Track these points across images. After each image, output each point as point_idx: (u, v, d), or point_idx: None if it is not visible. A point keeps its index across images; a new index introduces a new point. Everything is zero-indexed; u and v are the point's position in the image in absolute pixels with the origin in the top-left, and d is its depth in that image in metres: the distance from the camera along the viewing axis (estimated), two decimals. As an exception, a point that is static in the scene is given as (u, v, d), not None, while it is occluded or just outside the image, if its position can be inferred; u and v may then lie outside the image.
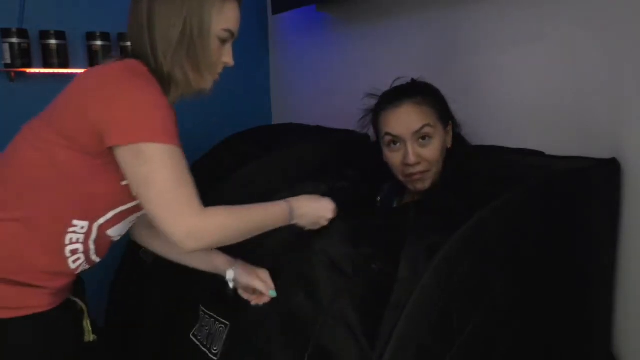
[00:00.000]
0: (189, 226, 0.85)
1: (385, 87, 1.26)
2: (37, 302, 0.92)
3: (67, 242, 0.92)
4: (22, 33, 1.95)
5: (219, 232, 0.88)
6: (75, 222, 0.92)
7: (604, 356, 1.13)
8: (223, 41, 0.97)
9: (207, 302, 1.07)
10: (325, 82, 2.06)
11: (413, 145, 1.14)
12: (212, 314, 1.03)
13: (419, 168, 1.15)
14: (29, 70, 2.00)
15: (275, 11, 2.08)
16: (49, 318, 0.93)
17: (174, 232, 0.84)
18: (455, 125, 1.24)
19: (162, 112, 0.87)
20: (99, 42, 2.22)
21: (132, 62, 0.92)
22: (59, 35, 2.04)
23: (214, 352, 0.98)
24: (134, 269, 1.42)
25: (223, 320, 1.00)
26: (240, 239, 0.92)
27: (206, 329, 1.03)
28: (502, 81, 1.36)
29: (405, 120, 1.15)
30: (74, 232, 0.92)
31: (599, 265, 1.10)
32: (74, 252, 0.94)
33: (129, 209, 0.97)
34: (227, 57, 0.99)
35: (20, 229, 0.89)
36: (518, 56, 1.31)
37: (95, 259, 1.00)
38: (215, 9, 0.94)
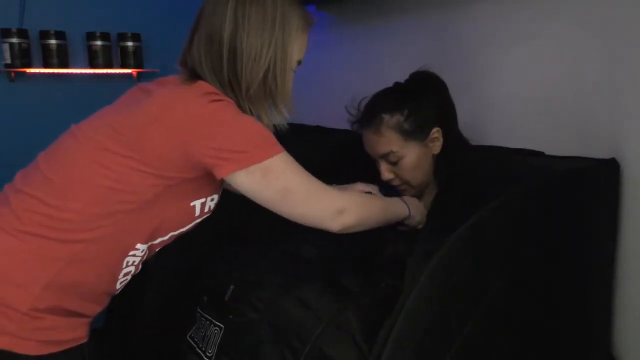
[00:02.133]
0: (338, 204, 0.91)
1: (385, 86, 1.25)
2: (80, 333, 0.88)
3: (124, 265, 0.90)
4: (22, 33, 1.95)
5: (360, 207, 0.95)
6: (138, 245, 0.89)
7: (603, 356, 1.13)
8: (293, 72, 0.95)
9: (204, 305, 1.07)
10: (325, 82, 2.06)
11: (384, 164, 1.16)
12: (208, 316, 1.03)
13: (394, 182, 1.17)
14: (29, 70, 2.01)
15: (275, 11, 2.08)
16: (90, 349, 0.91)
17: (326, 215, 0.91)
18: (451, 126, 1.21)
19: (262, 126, 0.88)
20: (99, 42, 2.22)
21: (208, 86, 0.88)
22: (59, 35, 2.05)
23: (209, 355, 0.98)
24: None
25: (218, 324, 0.99)
26: (374, 221, 0.99)
27: (202, 332, 1.03)
28: (502, 81, 1.36)
29: (370, 146, 1.17)
30: (133, 255, 0.90)
31: (599, 265, 1.10)
32: (126, 274, 0.92)
33: (184, 230, 0.96)
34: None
35: (85, 252, 0.84)
36: (517, 56, 1.31)
37: (134, 273, 0.97)
38: (298, 41, 0.92)
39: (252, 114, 0.93)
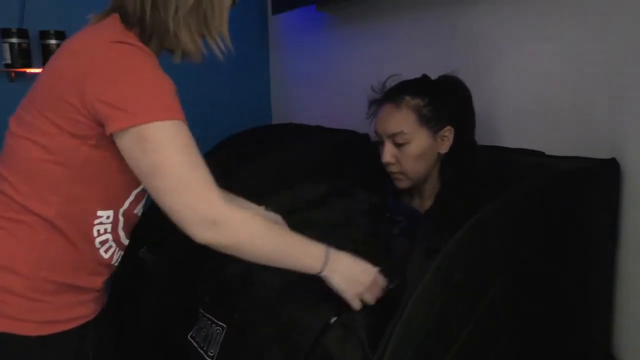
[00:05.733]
0: (215, 213, 0.76)
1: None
2: (82, 311, 0.88)
3: (95, 234, 0.88)
4: (22, 33, 1.95)
5: (244, 229, 0.78)
6: (100, 213, 0.87)
7: (603, 356, 1.13)
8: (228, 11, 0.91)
9: (205, 304, 1.06)
10: (325, 82, 2.06)
11: (389, 145, 1.16)
12: (210, 316, 1.03)
13: (392, 168, 1.17)
14: (29, 70, 2.00)
15: (275, 11, 2.08)
16: (98, 324, 0.91)
17: (195, 220, 0.75)
18: (465, 132, 1.19)
19: (161, 86, 0.78)
20: (99, 42, 2.21)
21: (118, 24, 0.83)
22: (59, 35, 2.04)
23: (210, 354, 0.98)
24: (134, 268, 1.42)
25: (220, 323, 0.99)
26: (262, 257, 0.82)
27: (204, 331, 1.02)
28: (502, 81, 1.36)
29: (384, 121, 1.17)
30: (100, 223, 0.87)
31: (599, 265, 1.10)
32: (103, 242, 0.90)
33: None
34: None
35: (53, 228, 0.83)
36: (518, 56, 1.31)
37: (125, 242, 0.95)
38: None
39: (177, 38, 0.86)
